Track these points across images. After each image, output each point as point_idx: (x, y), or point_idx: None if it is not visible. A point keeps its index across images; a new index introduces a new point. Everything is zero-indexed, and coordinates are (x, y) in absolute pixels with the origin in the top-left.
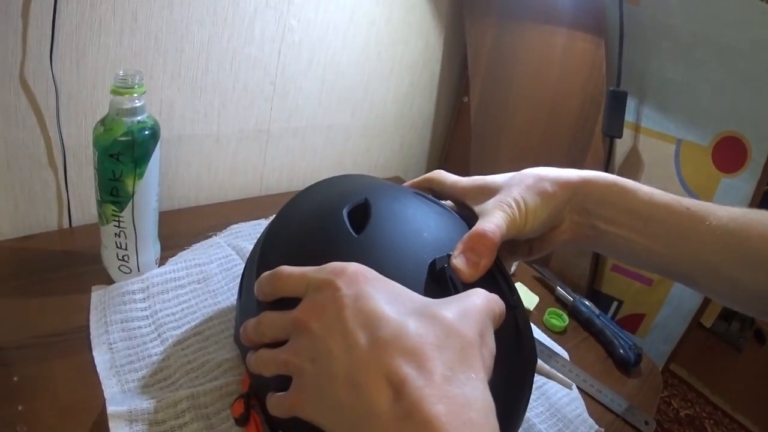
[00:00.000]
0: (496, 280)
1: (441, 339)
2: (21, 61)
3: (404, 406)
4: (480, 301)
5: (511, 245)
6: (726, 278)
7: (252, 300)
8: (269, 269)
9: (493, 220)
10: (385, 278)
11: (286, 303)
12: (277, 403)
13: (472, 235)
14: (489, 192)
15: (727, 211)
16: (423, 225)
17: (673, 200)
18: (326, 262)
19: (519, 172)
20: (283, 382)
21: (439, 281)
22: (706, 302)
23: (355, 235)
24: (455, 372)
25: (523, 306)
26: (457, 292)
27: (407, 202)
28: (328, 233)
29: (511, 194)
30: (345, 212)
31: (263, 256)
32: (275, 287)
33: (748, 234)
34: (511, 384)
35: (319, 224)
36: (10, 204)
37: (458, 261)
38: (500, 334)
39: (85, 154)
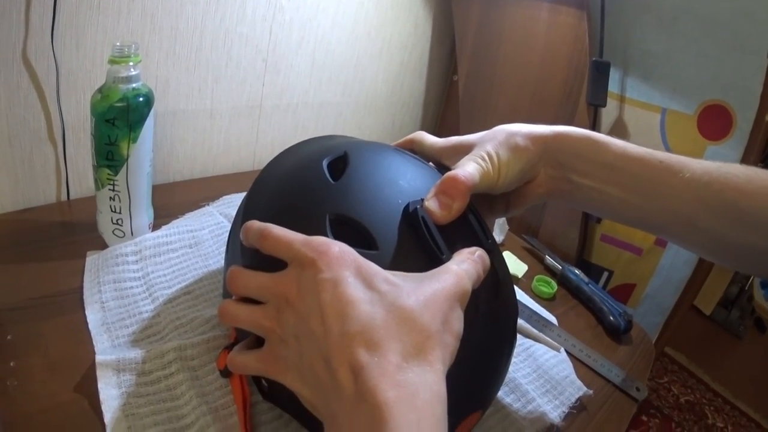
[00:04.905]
0: (471, 224)
1: (402, 332)
2: (24, 40)
3: (360, 390)
4: (450, 283)
5: (490, 202)
6: (701, 230)
7: (237, 246)
8: (253, 215)
9: (466, 168)
10: (362, 259)
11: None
12: (246, 361)
13: (445, 179)
14: (463, 150)
15: (701, 164)
16: (399, 174)
17: (646, 153)
18: (306, 208)
19: (491, 130)
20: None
21: (412, 223)
22: (697, 274)
23: (333, 182)
24: (410, 363)
25: (500, 252)
26: (430, 233)
27: (386, 155)
28: (307, 181)
29: (484, 148)
30: (325, 163)
31: (249, 203)
32: (261, 244)
33: (722, 186)
34: (490, 330)
35: (301, 173)
36: (11, 178)
37: (431, 203)
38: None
39: (83, 128)
